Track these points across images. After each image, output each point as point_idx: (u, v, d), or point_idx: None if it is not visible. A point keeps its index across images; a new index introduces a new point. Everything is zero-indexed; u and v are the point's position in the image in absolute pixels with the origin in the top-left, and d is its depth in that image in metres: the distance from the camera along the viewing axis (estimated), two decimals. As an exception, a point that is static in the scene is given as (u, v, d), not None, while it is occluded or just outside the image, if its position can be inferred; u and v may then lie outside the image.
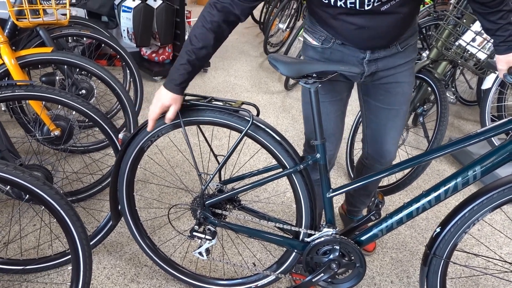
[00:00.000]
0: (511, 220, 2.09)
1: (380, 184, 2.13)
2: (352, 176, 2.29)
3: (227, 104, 1.20)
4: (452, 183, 1.12)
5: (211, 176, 1.25)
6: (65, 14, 1.86)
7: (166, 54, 3.63)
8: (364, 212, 1.79)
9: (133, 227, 1.48)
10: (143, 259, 1.66)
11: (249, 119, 1.17)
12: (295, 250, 1.33)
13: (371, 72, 1.26)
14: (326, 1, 1.09)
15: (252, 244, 1.78)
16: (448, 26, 2.01)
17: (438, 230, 1.19)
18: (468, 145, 1.10)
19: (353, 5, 1.07)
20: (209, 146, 1.39)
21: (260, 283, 1.43)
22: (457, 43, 1.99)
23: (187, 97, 1.23)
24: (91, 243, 1.59)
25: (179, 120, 1.22)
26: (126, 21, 3.26)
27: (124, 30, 3.34)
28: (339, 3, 1.08)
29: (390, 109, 1.34)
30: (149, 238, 1.52)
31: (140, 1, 3.21)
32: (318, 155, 1.20)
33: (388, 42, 1.20)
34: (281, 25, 4.58)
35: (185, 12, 3.60)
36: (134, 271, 1.60)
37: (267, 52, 4.34)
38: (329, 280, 1.30)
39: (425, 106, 2.17)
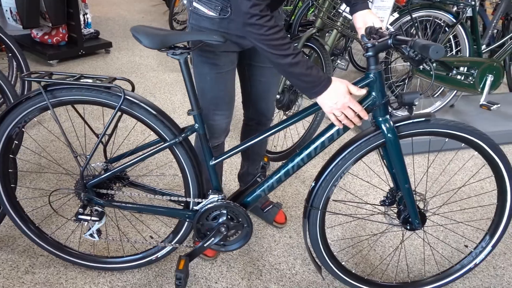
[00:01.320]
0: (371, 169, 2.33)
1: (273, 150, 2.25)
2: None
3: (97, 81, 1.18)
4: (320, 141, 1.24)
5: (88, 157, 1.22)
6: None
7: (61, 35, 3.37)
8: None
9: (17, 219, 1.41)
10: (38, 249, 1.59)
11: (120, 94, 1.16)
12: (187, 220, 1.37)
13: None
14: None
15: (149, 218, 1.79)
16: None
17: (313, 184, 1.31)
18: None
19: None
20: (88, 126, 1.35)
21: (159, 254, 1.46)
22: (336, 12, 2.12)
23: (54, 76, 1.18)
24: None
25: (45, 102, 1.16)
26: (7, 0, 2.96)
27: (6, 10, 3.04)
28: None
29: (272, 67, 1.45)
30: (39, 228, 1.46)
31: (20, -23, 2.92)
32: (196, 125, 1.24)
33: None
34: (185, 1, 4.47)
35: (77, -12, 3.36)
36: (28, 262, 1.53)
37: (173, 29, 4.24)
38: (221, 243, 1.37)
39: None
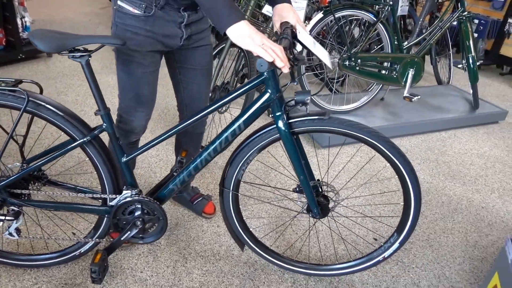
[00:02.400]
0: (275, 158, 2.49)
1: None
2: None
3: (2, 84, 1.22)
4: (224, 136, 1.32)
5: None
6: None
7: (-3, 39, 3.31)
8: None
9: None
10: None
11: (24, 97, 1.21)
12: (105, 215, 1.44)
13: (187, 36, 1.42)
14: None
15: (72, 216, 1.85)
16: (249, 2, 2.25)
17: (225, 167, 1.42)
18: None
19: None
20: (3, 129, 1.39)
21: (82, 249, 1.52)
22: (262, 11, 2.24)
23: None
24: None
25: (-49, 106, 1.20)
26: None
27: None
28: None
29: (202, 69, 1.55)
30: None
31: None
32: (104, 125, 1.31)
33: None
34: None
35: (14, -8, 3.31)
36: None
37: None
38: (140, 235, 1.45)
39: (244, 70, 2.43)
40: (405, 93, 2.87)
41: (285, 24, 1.29)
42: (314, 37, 2.92)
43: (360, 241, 1.89)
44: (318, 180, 1.45)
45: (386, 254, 1.53)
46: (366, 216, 2.06)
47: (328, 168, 2.31)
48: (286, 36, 1.21)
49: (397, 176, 1.40)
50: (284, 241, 1.85)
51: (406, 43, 2.99)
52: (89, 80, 1.25)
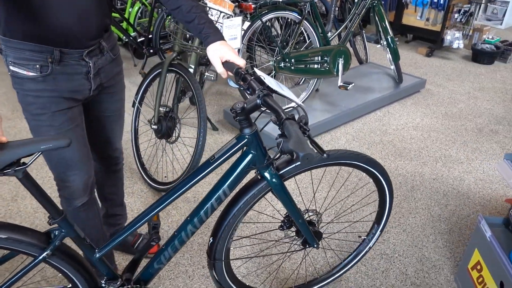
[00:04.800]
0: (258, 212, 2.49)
1: (163, 180, 2.20)
2: (144, 177, 2.29)
3: None
4: (209, 204, 1.19)
5: None
6: None
7: None
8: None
9: None
10: None
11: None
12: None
13: (97, 85, 1.28)
14: None
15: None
16: (179, 25, 2.11)
17: (211, 240, 1.29)
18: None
19: None
20: None
21: None
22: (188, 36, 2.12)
23: None
24: None
25: None
26: None
27: None
28: None
29: (113, 115, 1.45)
30: None
31: None
32: (63, 231, 1.08)
33: (100, 23, 1.20)
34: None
35: None
36: None
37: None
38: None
39: (186, 95, 2.30)
40: (339, 83, 2.97)
41: (231, 65, 1.15)
42: (244, 45, 2.86)
43: (348, 245, 1.93)
44: (306, 210, 1.42)
45: (371, 243, 1.65)
46: (352, 222, 2.11)
47: (314, 196, 2.29)
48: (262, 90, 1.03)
49: (371, 179, 1.49)
50: (278, 276, 1.82)
51: (330, 34, 3.08)
52: (33, 192, 1.01)
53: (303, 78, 3.34)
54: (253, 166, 1.17)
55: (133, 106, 2.30)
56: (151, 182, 2.27)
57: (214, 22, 2.05)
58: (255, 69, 1.16)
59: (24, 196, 2.20)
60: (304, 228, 1.35)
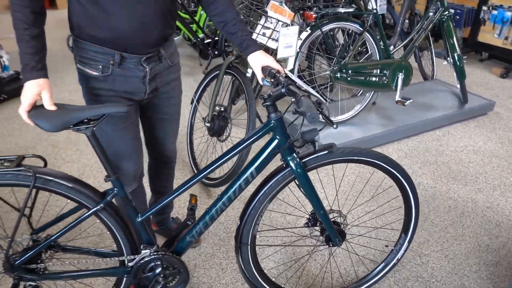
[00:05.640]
0: (287, 203, 2.50)
1: (212, 176, 2.32)
2: (195, 171, 2.45)
3: (6, 163, 1.17)
4: (237, 185, 1.32)
5: (9, 240, 1.22)
6: None
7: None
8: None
9: None
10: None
11: (30, 174, 1.16)
12: (124, 276, 1.40)
13: (152, 89, 1.39)
14: None
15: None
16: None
17: (238, 223, 1.40)
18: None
19: None
20: (9, 204, 1.34)
21: (104, 313, 1.49)
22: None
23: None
24: None
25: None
26: None
27: None
28: None
29: (168, 118, 1.55)
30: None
31: None
32: (115, 190, 1.27)
33: (160, 34, 1.29)
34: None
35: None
36: None
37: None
38: (163, 290, 1.42)
39: (240, 97, 2.40)
40: (397, 98, 2.90)
41: (266, 68, 1.29)
42: (303, 53, 2.91)
43: (373, 253, 1.90)
44: (330, 209, 1.46)
45: (399, 255, 1.64)
46: (375, 228, 2.07)
47: (336, 195, 2.31)
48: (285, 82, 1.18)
49: (395, 184, 1.51)
50: (304, 278, 1.85)
51: (392, 47, 3.02)
52: (96, 149, 1.21)
53: (361, 90, 3.30)
54: (278, 150, 1.28)
55: (191, 103, 2.46)
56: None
57: (271, 29, 2.14)
58: (286, 70, 1.26)
59: (88, 176, 2.45)
60: (326, 222, 1.40)
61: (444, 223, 2.15)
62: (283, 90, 1.17)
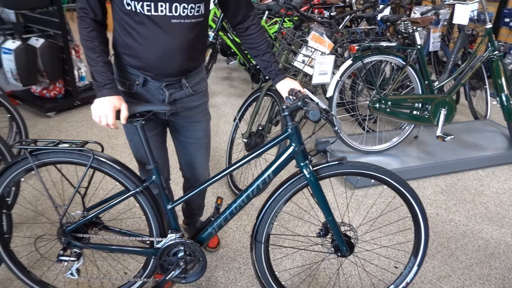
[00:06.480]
0: (299, 206, 2.56)
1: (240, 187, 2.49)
2: (229, 181, 2.64)
3: (72, 145, 1.45)
4: (255, 185, 1.49)
5: (65, 207, 1.48)
6: None
7: (58, 89, 3.71)
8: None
9: (11, 265, 1.64)
10: (30, 289, 1.82)
11: (90, 155, 1.43)
12: (152, 256, 1.60)
13: (171, 113, 1.54)
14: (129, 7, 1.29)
15: (124, 257, 2.02)
16: (283, 52, 2.44)
17: (255, 221, 1.55)
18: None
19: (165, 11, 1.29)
20: (68, 181, 1.61)
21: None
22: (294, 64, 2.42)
23: (38, 142, 1.45)
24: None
25: (31, 164, 1.43)
26: (8, 62, 3.32)
27: (8, 71, 3.39)
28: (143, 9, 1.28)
29: (196, 143, 1.66)
30: (29, 272, 1.68)
31: (20, 42, 3.29)
32: (153, 177, 1.49)
33: (180, 67, 1.44)
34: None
35: (73, 47, 3.73)
36: (21, 301, 1.76)
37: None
38: (182, 275, 1.59)
39: (278, 117, 2.59)
40: (438, 133, 2.90)
41: (292, 90, 1.50)
42: (344, 82, 3.05)
43: (382, 272, 1.92)
44: (342, 222, 1.56)
45: (408, 279, 1.67)
46: (384, 246, 2.09)
47: (347, 208, 2.38)
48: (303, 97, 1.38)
49: (405, 204, 1.58)
50: (309, 285, 1.92)
51: (437, 83, 3.05)
52: (142, 140, 1.45)
53: (405, 124, 3.34)
54: (293, 155, 1.44)
55: (234, 120, 2.69)
56: (233, 188, 2.60)
57: (308, 57, 2.33)
58: (305, 90, 1.43)
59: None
60: (335, 229, 1.51)
61: (470, 261, 2.11)
62: (299, 103, 1.34)
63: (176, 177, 2.69)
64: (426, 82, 2.92)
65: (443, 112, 2.90)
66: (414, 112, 2.90)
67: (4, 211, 1.57)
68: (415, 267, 1.63)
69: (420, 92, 2.91)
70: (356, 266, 1.99)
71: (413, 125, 3.02)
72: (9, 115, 2.56)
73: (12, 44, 3.28)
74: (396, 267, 1.92)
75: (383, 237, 2.20)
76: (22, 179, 1.72)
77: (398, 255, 2.07)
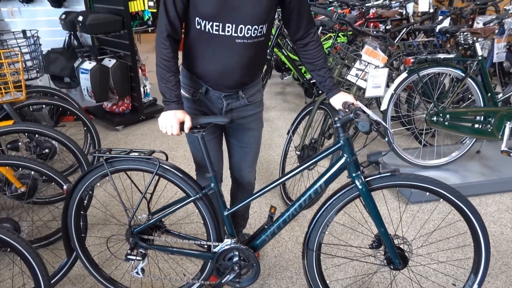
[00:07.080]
0: (353, 218, 2.50)
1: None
2: (282, 191, 2.70)
3: (141, 154, 1.61)
4: (307, 194, 1.54)
5: (133, 210, 1.64)
6: (21, 91, 2.28)
7: (125, 105, 4.05)
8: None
9: (86, 262, 1.83)
10: (102, 286, 2.00)
11: (156, 163, 1.57)
12: (209, 260, 1.70)
13: (228, 120, 1.63)
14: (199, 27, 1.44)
15: (184, 260, 2.15)
16: (336, 66, 2.49)
17: (307, 230, 1.60)
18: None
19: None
20: (136, 187, 1.78)
21: (190, 290, 1.80)
22: (346, 77, 2.46)
23: (112, 151, 1.63)
24: (55, 278, 1.92)
25: (106, 170, 1.61)
26: (84, 81, 3.70)
27: (84, 89, 3.77)
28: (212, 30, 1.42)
29: (246, 147, 1.79)
30: (101, 269, 1.86)
31: (95, 63, 3.66)
32: (212, 184, 1.61)
33: (238, 80, 1.56)
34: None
35: (140, 66, 4.07)
36: (92, 296, 1.95)
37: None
38: (236, 280, 1.68)
39: (330, 131, 2.62)
40: (503, 147, 2.75)
41: (346, 103, 1.55)
42: (399, 95, 3.02)
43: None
44: (396, 235, 1.55)
45: None
46: (441, 262, 2.01)
47: (400, 221, 2.32)
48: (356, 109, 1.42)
49: (463, 219, 1.55)
50: (370, 296, 1.91)
51: (501, 95, 2.91)
52: (202, 149, 1.57)
53: (466, 138, 3.20)
54: (345, 166, 1.48)
55: (287, 134, 2.77)
56: (286, 199, 2.66)
57: (362, 71, 2.35)
58: (358, 103, 1.46)
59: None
60: (387, 242, 1.51)
61: (540, 283, 1.97)
62: (351, 115, 1.39)
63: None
64: (489, 94, 2.80)
65: (508, 126, 2.75)
66: (476, 126, 2.78)
67: (82, 212, 1.77)
68: (475, 286, 1.57)
69: (482, 105, 2.79)
70: (411, 282, 1.94)
71: (474, 139, 2.89)
72: (85, 128, 2.85)
73: (88, 65, 3.66)
74: (454, 285, 1.85)
75: (440, 253, 2.13)
76: (97, 184, 1.92)
77: (457, 272, 1.99)
